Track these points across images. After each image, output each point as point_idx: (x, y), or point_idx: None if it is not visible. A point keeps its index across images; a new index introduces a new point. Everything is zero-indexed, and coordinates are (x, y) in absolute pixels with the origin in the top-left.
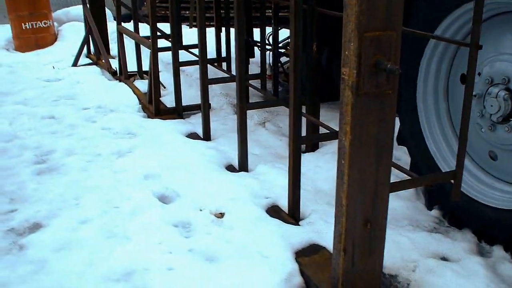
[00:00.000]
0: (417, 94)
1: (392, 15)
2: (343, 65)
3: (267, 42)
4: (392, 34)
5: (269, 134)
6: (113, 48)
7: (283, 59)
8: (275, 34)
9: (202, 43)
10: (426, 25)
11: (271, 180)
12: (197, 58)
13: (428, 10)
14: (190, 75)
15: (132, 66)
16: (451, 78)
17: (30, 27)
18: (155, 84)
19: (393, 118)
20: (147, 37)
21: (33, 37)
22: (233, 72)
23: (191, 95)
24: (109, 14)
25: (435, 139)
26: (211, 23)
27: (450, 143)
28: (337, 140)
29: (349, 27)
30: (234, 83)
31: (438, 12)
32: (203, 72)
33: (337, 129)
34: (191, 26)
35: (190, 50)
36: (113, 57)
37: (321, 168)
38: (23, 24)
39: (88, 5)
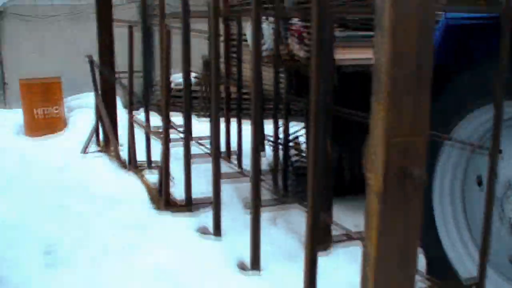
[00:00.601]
0: (433, 194)
1: (418, 121)
2: (369, 171)
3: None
4: (419, 140)
5: (281, 231)
6: (122, 136)
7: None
8: (285, 129)
9: (215, 138)
10: (442, 126)
11: (285, 282)
12: (208, 151)
13: (445, 112)
14: (199, 167)
15: (141, 156)
16: (468, 179)
17: (42, 113)
18: (166, 177)
19: (418, 225)
20: (157, 128)
21: (44, 123)
22: (244, 167)
23: (200, 188)
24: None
25: (451, 240)
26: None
27: (467, 244)
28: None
29: (376, 132)
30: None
31: (455, 114)
32: (216, 168)
33: (349, 228)
34: (199, 117)
35: (200, 142)
36: (121, 146)
37: (336, 270)
38: (35, 109)
39: (99, 92)
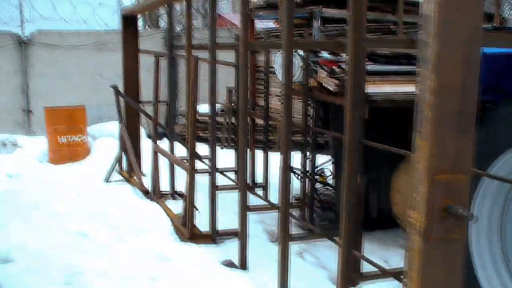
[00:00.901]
0: (469, 232)
1: (462, 157)
2: (411, 208)
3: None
4: (462, 177)
5: (308, 265)
6: (146, 165)
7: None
8: (313, 161)
9: (242, 170)
10: (480, 161)
11: None
12: (233, 183)
13: (483, 146)
14: (224, 197)
15: (164, 185)
16: (506, 216)
17: (66, 140)
18: (191, 208)
19: (461, 265)
20: (182, 158)
21: (67, 150)
22: (270, 199)
23: (225, 219)
24: (143, 131)
25: (488, 278)
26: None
27: (504, 280)
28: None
29: (419, 169)
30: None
31: (494, 149)
32: (243, 201)
33: (378, 262)
34: (223, 147)
35: (225, 173)
36: (144, 175)
37: None
38: (58, 137)
39: (124, 122)
